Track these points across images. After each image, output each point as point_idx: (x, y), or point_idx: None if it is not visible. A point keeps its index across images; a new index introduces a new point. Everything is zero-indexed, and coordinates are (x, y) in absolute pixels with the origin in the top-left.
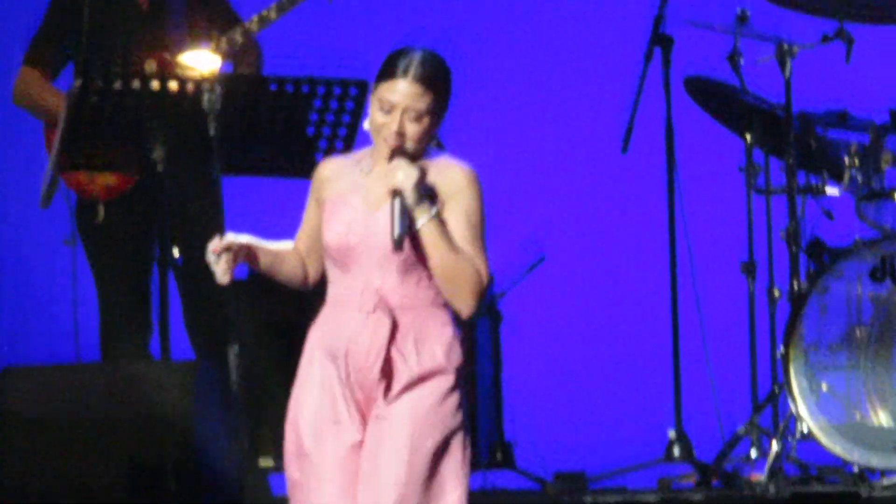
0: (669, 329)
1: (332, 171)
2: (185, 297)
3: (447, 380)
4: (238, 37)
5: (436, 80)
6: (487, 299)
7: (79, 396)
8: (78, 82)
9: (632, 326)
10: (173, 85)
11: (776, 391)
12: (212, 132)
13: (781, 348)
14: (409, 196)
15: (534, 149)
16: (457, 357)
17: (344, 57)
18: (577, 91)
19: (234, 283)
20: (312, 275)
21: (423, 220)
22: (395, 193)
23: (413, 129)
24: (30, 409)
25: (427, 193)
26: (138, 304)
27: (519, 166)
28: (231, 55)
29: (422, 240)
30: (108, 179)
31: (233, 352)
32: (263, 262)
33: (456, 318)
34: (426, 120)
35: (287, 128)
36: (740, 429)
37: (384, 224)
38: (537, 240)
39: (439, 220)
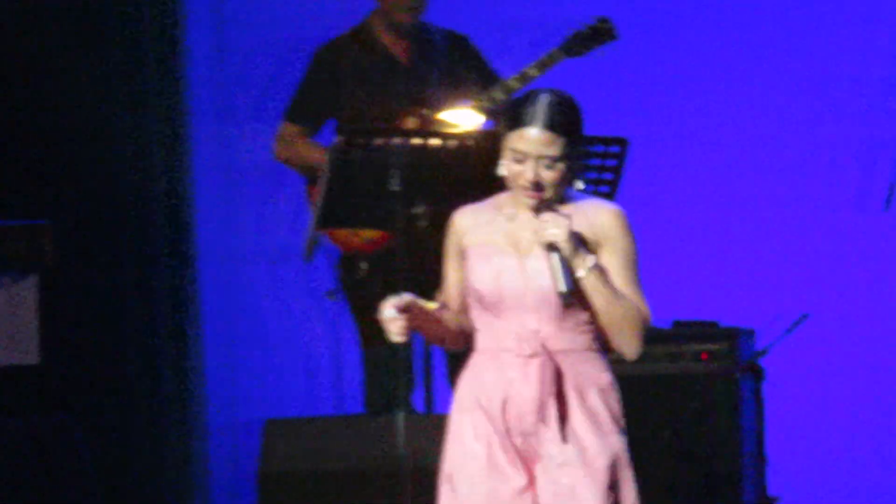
0: None
1: (471, 220)
2: (449, 352)
3: (611, 432)
4: (499, 94)
5: (565, 123)
6: (749, 356)
7: (341, 449)
8: (340, 138)
9: None
10: (435, 142)
11: None
12: (393, 188)
13: None
14: (566, 249)
15: (798, 207)
16: (615, 404)
17: (602, 114)
18: (840, 148)
19: None
20: (471, 331)
21: (582, 270)
22: (551, 248)
23: (549, 176)
24: (293, 462)
25: (581, 242)
26: (401, 357)
27: (784, 225)
28: (492, 113)
29: (584, 289)
30: (371, 234)
31: (400, 419)
32: (438, 327)
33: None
34: (560, 165)
35: None
36: None
37: (537, 269)
38: (800, 297)
39: (599, 268)
